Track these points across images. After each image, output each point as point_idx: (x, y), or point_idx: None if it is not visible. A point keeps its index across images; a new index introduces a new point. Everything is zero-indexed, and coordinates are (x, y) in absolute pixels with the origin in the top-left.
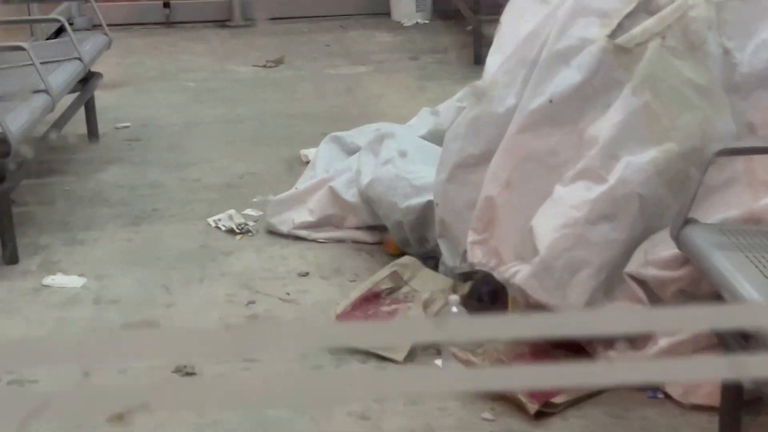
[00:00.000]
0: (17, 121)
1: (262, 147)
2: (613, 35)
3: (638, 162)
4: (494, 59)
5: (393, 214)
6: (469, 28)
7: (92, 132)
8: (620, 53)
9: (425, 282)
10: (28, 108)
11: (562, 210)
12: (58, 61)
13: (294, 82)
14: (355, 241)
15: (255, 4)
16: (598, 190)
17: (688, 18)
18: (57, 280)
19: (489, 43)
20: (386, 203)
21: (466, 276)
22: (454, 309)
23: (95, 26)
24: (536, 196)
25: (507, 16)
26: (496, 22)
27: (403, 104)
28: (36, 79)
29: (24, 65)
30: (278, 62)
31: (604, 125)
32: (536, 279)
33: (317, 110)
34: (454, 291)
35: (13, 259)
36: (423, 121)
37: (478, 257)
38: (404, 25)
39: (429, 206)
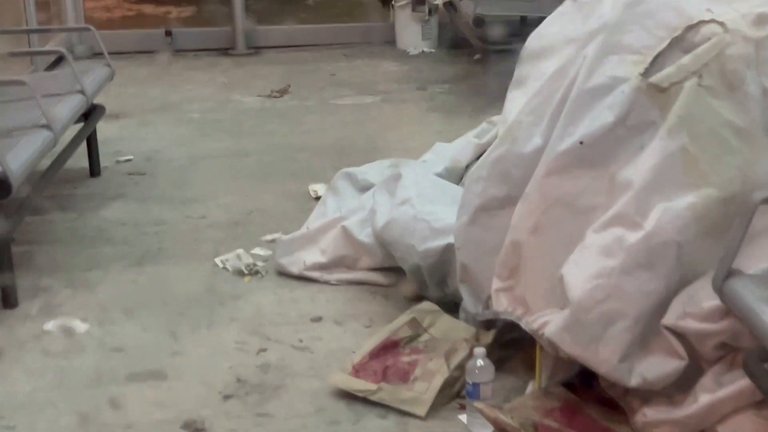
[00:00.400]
0: (18, 159)
1: (269, 182)
2: (646, 74)
3: (676, 208)
4: (515, 95)
5: (411, 257)
6: (477, 57)
7: (94, 166)
8: (655, 93)
9: (446, 330)
10: (29, 145)
11: (594, 258)
12: (59, 94)
13: (300, 112)
14: (370, 284)
15: (259, 33)
16: (633, 237)
17: (725, 56)
18: (59, 325)
19: (499, 74)
20: (403, 246)
21: (488, 323)
22: (480, 362)
23: (96, 54)
24: (565, 242)
25: (527, 52)
26: (506, 53)
27: (412, 137)
28: (37, 114)
29: (24, 99)
30: (283, 92)
31: (639, 169)
32: (568, 332)
33: (324, 143)
34: (477, 339)
35: (12, 303)
36: (439, 156)
37: (503, 305)
38: (410, 54)
39: (449, 249)
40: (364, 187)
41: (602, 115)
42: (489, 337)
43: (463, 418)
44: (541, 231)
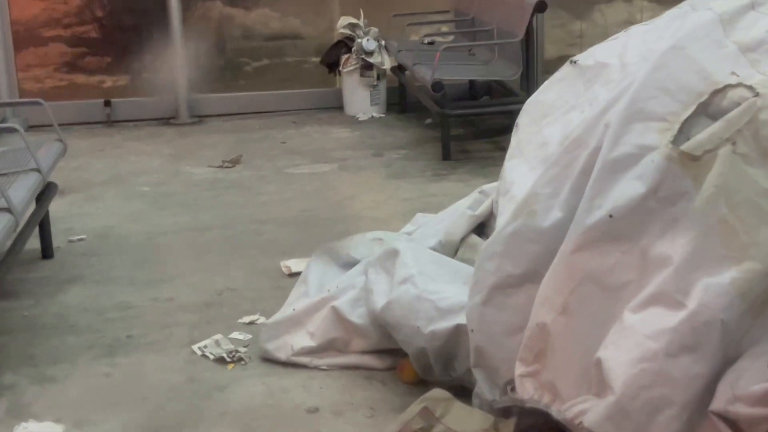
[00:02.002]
0: None
1: (236, 258)
2: (675, 142)
3: (719, 284)
4: (514, 164)
5: (415, 340)
6: (428, 121)
7: (46, 247)
8: (687, 161)
9: (461, 419)
10: None
11: (636, 341)
12: (15, 172)
13: (256, 183)
14: (364, 368)
15: (202, 101)
16: (676, 317)
17: (759, 121)
18: (30, 428)
19: (456, 138)
20: (407, 328)
21: (505, 410)
22: None
23: (31, 127)
24: (597, 323)
25: (525, 118)
26: (463, 117)
27: (378, 205)
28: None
29: None
30: (235, 162)
31: (676, 243)
32: (611, 421)
33: (287, 214)
34: (497, 430)
35: None
36: (426, 229)
37: (528, 392)
38: (360, 119)
39: (457, 331)
40: (347, 263)
41: (631, 187)
42: (509, 427)
43: None
44: (570, 311)
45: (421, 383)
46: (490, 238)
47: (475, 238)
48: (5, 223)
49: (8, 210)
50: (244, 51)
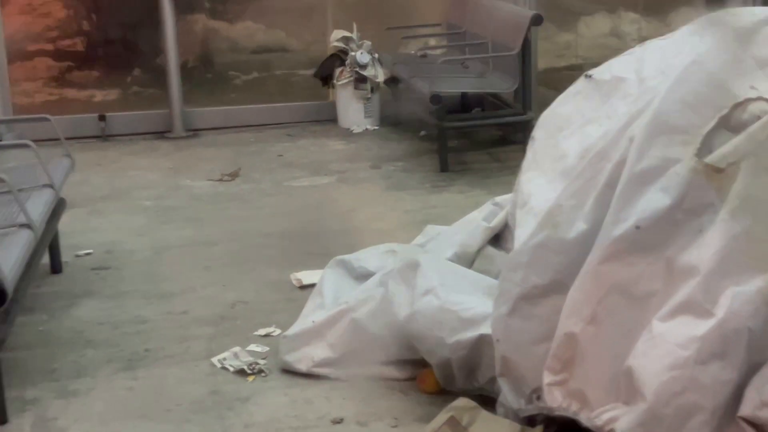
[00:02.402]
0: (8, 263)
1: (245, 271)
2: (699, 154)
3: (746, 292)
4: (530, 176)
5: (439, 350)
6: (423, 133)
7: (55, 262)
8: (711, 174)
9: (487, 427)
10: (14, 247)
11: (666, 349)
12: (31, 188)
13: (257, 196)
14: (384, 378)
15: (196, 114)
16: (705, 325)
17: None
18: None
19: (451, 150)
20: (431, 338)
21: (530, 419)
22: None
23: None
24: (624, 331)
25: (541, 132)
26: (461, 129)
27: (380, 217)
28: (12, 212)
29: None
30: (234, 175)
31: (703, 253)
32: (643, 428)
33: (291, 227)
34: None
35: (2, 419)
36: (440, 241)
37: (557, 401)
38: (354, 132)
39: (481, 341)
40: (361, 275)
41: (657, 199)
42: None
43: None
44: (598, 321)
45: (442, 393)
46: (515, 250)
47: (491, 249)
48: (26, 239)
49: (28, 226)
50: (233, 64)
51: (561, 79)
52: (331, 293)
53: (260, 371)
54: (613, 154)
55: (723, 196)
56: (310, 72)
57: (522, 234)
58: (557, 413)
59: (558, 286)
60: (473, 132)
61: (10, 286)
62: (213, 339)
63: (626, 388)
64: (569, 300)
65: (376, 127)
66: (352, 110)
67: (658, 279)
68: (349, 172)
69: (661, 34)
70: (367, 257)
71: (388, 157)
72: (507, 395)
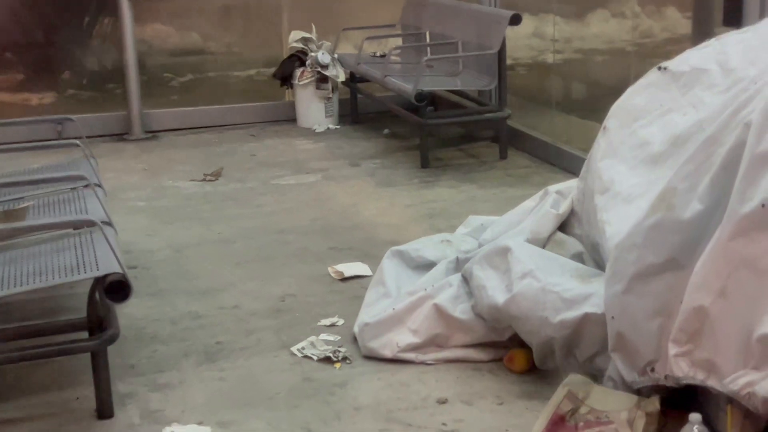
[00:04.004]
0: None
1: (277, 266)
2: None
3: None
4: (609, 163)
5: (543, 329)
6: (386, 132)
7: None
8: None
9: (603, 400)
10: (108, 244)
11: None
12: (86, 185)
13: (249, 195)
14: (468, 361)
15: (152, 116)
16: None
17: None
18: (178, 431)
19: (434, 146)
20: (534, 319)
21: (639, 391)
22: (697, 429)
23: None
24: (754, 303)
25: (613, 122)
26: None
27: (384, 213)
28: (79, 209)
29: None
30: (217, 175)
31: None
32: None
33: (302, 224)
34: (640, 407)
35: (107, 412)
36: (506, 229)
37: (683, 370)
38: (316, 131)
39: (584, 319)
40: (420, 265)
41: None
42: (656, 403)
43: None
44: (728, 294)
45: (531, 372)
46: (628, 231)
47: (560, 235)
48: (113, 235)
49: (108, 223)
50: (165, 67)
51: None
52: (393, 282)
53: (344, 358)
54: (725, 138)
55: None
56: (245, 73)
57: (611, 217)
58: (683, 382)
59: (672, 264)
60: (437, 130)
61: (127, 277)
62: (280, 331)
63: (760, 354)
64: (696, 276)
65: (338, 127)
66: (313, 110)
67: None
68: (332, 170)
69: (580, 34)
70: (422, 247)
71: (362, 155)
72: (621, 369)
